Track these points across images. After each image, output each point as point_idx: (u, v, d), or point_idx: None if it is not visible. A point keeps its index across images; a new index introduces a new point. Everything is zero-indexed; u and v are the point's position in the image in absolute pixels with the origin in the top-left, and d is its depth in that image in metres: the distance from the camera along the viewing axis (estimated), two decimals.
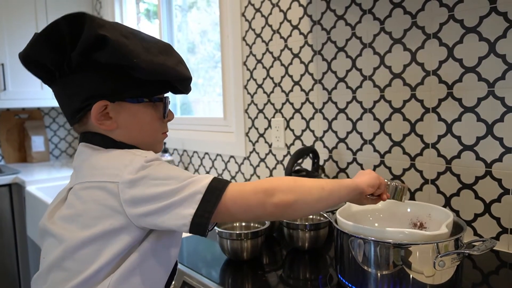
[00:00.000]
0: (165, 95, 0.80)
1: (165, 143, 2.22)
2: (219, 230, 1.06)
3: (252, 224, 1.15)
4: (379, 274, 0.80)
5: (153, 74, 0.71)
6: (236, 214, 0.67)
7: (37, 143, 2.89)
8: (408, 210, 0.99)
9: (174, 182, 0.65)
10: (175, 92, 0.82)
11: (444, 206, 1.16)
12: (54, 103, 2.71)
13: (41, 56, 0.70)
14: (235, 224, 1.16)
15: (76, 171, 0.75)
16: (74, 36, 0.68)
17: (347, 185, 0.77)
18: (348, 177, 1.41)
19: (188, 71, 0.77)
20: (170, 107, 0.82)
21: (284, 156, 1.64)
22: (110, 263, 0.66)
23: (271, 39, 1.63)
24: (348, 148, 1.40)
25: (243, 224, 1.16)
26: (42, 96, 2.66)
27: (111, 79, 0.72)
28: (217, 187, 0.66)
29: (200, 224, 0.63)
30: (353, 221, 0.86)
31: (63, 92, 0.74)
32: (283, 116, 1.62)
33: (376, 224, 1.00)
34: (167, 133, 0.83)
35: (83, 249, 0.66)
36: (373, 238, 0.80)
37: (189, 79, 0.77)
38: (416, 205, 0.98)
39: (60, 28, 0.68)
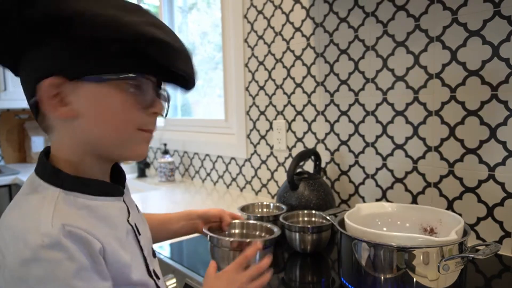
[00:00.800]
0: (153, 81, 0.61)
1: (165, 144, 2.22)
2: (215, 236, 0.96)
3: (257, 233, 1.05)
4: (382, 278, 0.80)
5: (100, 29, 0.52)
6: None
7: (37, 143, 2.88)
8: (414, 216, 0.98)
9: None
10: (179, 84, 0.64)
11: (447, 210, 1.16)
12: None
13: None
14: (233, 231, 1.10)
15: None
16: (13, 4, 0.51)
17: None
18: (350, 180, 1.41)
19: (167, 36, 0.56)
20: (170, 108, 0.66)
21: (286, 158, 1.64)
22: None
23: (273, 41, 1.63)
24: (350, 150, 1.40)
25: (244, 231, 1.07)
26: None
27: (64, 49, 0.53)
28: None
29: None
30: (361, 225, 0.86)
31: (20, 78, 0.58)
32: (284, 118, 1.62)
33: (385, 229, 0.99)
34: (151, 132, 0.63)
35: None
36: (376, 242, 0.79)
37: (162, 42, 0.55)
38: (427, 210, 0.97)
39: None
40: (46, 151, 0.61)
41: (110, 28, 0.52)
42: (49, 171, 0.57)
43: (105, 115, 0.57)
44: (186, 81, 0.62)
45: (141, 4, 2.68)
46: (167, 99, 0.66)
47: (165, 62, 0.57)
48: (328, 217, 0.99)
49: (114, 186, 0.63)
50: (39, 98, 0.55)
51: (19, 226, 0.52)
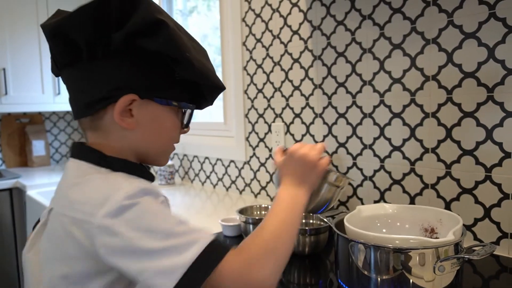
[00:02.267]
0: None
1: None
2: None
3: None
4: (379, 279, 0.80)
5: (199, 74, 0.65)
6: None
7: (38, 147, 2.89)
8: (414, 217, 0.98)
9: (157, 236, 0.54)
10: (199, 106, 0.75)
11: None
12: (55, 108, 2.72)
13: (77, 31, 0.60)
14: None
15: (56, 194, 0.66)
16: (123, 16, 0.60)
17: (287, 199, 0.71)
18: (349, 183, 1.41)
19: (222, 82, 0.72)
20: None
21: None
22: None
23: (271, 44, 1.64)
24: (348, 152, 1.40)
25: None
26: (43, 100, 2.67)
27: (147, 72, 0.64)
28: (205, 263, 0.54)
29: None
30: (361, 227, 0.86)
31: (86, 76, 0.64)
32: (283, 121, 1.63)
33: (384, 230, 1.00)
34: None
35: (58, 285, 0.59)
36: (373, 243, 0.80)
37: (223, 89, 0.71)
38: (427, 210, 0.97)
39: (111, 4, 0.59)
40: (80, 146, 0.67)
41: (204, 75, 0.67)
42: (99, 158, 0.64)
43: (160, 131, 0.69)
44: (204, 106, 0.77)
45: None
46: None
47: (210, 99, 0.74)
48: (325, 219, 1.00)
49: (150, 173, 0.71)
50: (116, 107, 0.63)
51: (99, 196, 0.57)
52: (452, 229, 0.81)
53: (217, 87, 0.71)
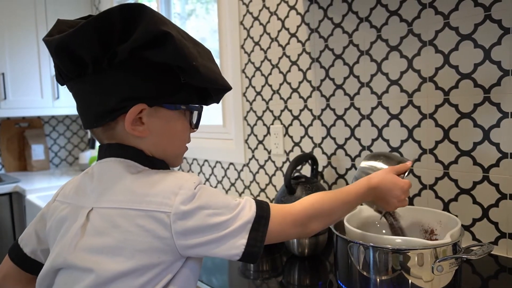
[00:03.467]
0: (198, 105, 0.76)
1: None
2: None
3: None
4: (378, 279, 0.81)
5: (207, 80, 0.67)
6: (277, 240, 0.69)
7: (37, 151, 2.90)
8: (414, 218, 0.99)
9: (226, 211, 0.64)
10: (205, 103, 0.78)
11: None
12: (54, 112, 2.72)
13: (82, 47, 0.61)
14: None
15: (103, 192, 0.65)
16: (126, 29, 0.61)
17: (357, 191, 0.80)
18: (347, 183, 1.42)
19: (228, 82, 0.74)
20: None
21: (283, 162, 1.65)
22: None
23: (269, 47, 1.65)
24: (346, 154, 1.41)
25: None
26: (42, 105, 2.67)
27: (154, 81, 0.66)
28: (262, 216, 0.66)
29: (251, 253, 0.63)
30: (360, 228, 0.87)
31: (93, 89, 0.65)
32: (282, 123, 1.64)
33: (384, 231, 1.00)
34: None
35: (119, 280, 0.60)
36: (371, 244, 0.80)
37: (229, 89, 0.73)
38: (427, 212, 0.98)
39: (113, 18, 0.61)
40: (122, 146, 0.69)
41: (212, 80, 0.68)
42: (144, 156, 0.69)
43: (172, 135, 0.71)
44: (209, 103, 0.79)
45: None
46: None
47: (217, 99, 0.76)
48: None
49: None
50: (126, 117, 0.65)
51: (168, 187, 0.63)
52: (450, 231, 0.81)
53: (225, 89, 0.72)
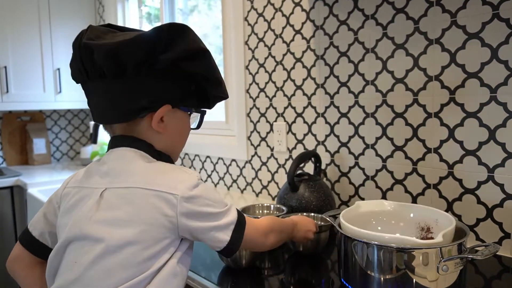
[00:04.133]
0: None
1: None
2: None
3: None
4: (382, 278, 0.80)
5: (222, 90, 0.83)
6: (247, 246, 0.83)
7: (39, 145, 2.89)
8: (411, 215, 0.99)
9: (219, 205, 0.76)
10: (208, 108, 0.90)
11: (446, 211, 1.17)
12: (56, 106, 2.72)
13: (131, 54, 0.72)
14: None
15: (118, 174, 0.75)
16: (169, 43, 0.73)
17: (292, 225, 0.98)
18: (350, 181, 1.42)
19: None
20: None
21: (286, 160, 1.64)
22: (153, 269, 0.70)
23: (273, 44, 1.64)
24: (350, 152, 1.40)
25: None
26: (44, 98, 2.67)
27: (180, 87, 0.78)
28: (241, 221, 0.79)
29: (230, 250, 0.77)
30: (355, 224, 0.87)
31: (127, 89, 0.75)
32: (285, 120, 1.63)
33: (379, 228, 1.00)
34: None
35: (127, 248, 0.68)
36: (376, 242, 0.80)
37: (227, 97, 0.87)
38: (425, 210, 0.98)
39: (162, 35, 0.73)
40: (135, 138, 0.79)
41: (224, 90, 0.84)
42: (153, 150, 0.80)
43: (182, 134, 0.86)
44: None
45: (143, 7, 2.70)
46: None
47: (213, 105, 0.87)
48: (328, 218, 1.00)
49: None
50: (155, 115, 0.77)
51: (177, 176, 0.74)
52: (443, 231, 0.81)
53: (223, 97, 0.85)
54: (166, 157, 0.82)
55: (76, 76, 0.79)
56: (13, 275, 0.86)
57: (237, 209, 0.81)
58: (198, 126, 0.89)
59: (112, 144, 0.80)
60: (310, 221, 1.04)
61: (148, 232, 0.69)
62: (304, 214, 1.18)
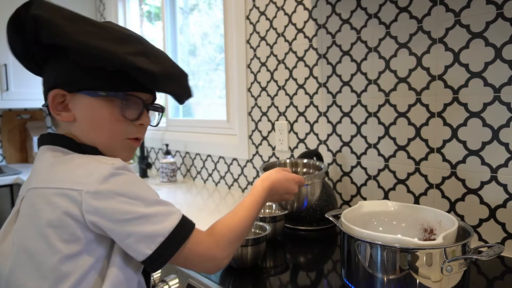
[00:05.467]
0: (143, 97, 0.73)
1: (167, 145, 2.22)
2: None
3: (252, 230, 1.13)
4: (385, 279, 0.80)
5: (89, 58, 0.65)
6: (181, 266, 0.69)
7: None
8: (415, 216, 0.98)
9: (140, 204, 0.62)
10: (180, 100, 0.77)
11: (449, 211, 1.16)
12: None
13: (13, 42, 0.70)
14: None
15: (30, 177, 0.69)
16: (27, 17, 0.66)
17: (257, 197, 0.83)
18: (352, 181, 1.41)
19: (154, 64, 0.68)
20: (173, 108, 0.79)
21: (288, 159, 1.63)
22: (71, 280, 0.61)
23: (275, 42, 1.63)
24: (352, 151, 1.40)
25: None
26: None
27: (68, 67, 0.68)
28: (179, 235, 0.64)
29: (152, 265, 0.63)
30: (357, 224, 0.86)
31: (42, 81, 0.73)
32: (287, 119, 1.62)
33: (381, 228, 1.00)
34: (138, 140, 0.76)
35: (35, 257, 0.61)
36: (380, 242, 0.80)
37: (146, 71, 0.67)
38: (428, 211, 0.97)
39: (20, 13, 0.67)
40: (53, 135, 0.72)
41: (100, 57, 0.65)
42: (74, 144, 0.70)
43: (97, 123, 0.70)
44: (178, 97, 0.76)
45: (143, 6, 2.69)
46: (161, 111, 0.81)
47: (152, 86, 0.72)
48: (331, 218, 0.99)
49: None
50: (48, 103, 0.70)
51: (85, 169, 0.63)
52: (444, 233, 0.80)
53: (131, 68, 0.67)
54: (93, 150, 0.70)
55: None
56: None
57: (182, 218, 0.65)
58: (133, 117, 0.72)
59: (38, 145, 0.74)
60: (289, 181, 0.89)
61: (53, 235, 0.60)
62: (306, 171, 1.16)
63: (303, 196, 0.99)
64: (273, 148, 1.69)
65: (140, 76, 0.68)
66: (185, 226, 0.65)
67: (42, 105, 0.74)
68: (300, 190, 0.96)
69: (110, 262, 0.65)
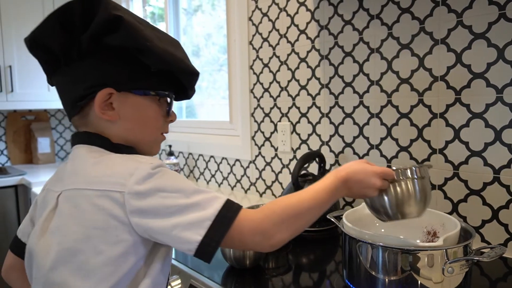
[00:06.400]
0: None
1: (170, 146, 2.23)
2: None
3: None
4: (387, 280, 0.80)
5: (164, 61, 0.69)
6: (236, 247, 0.68)
7: (43, 144, 2.90)
8: (422, 218, 0.98)
9: (181, 195, 0.62)
10: (179, 96, 0.80)
11: (451, 212, 1.16)
12: (61, 105, 2.72)
13: (50, 39, 0.66)
14: None
15: (69, 176, 0.69)
16: (86, 18, 0.65)
17: (326, 184, 0.74)
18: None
19: (194, 67, 0.76)
20: (176, 109, 0.80)
21: (290, 160, 1.64)
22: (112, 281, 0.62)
23: (278, 44, 1.64)
24: (354, 152, 1.40)
25: None
26: (49, 98, 2.68)
27: (119, 67, 0.69)
28: (226, 216, 0.63)
29: (206, 252, 0.61)
30: (359, 225, 0.87)
31: (67, 79, 0.70)
32: (289, 120, 1.63)
33: (383, 230, 1.00)
34: (165, 135, 0.81)
35: (77, 256, 0.62)
36: (381, 244, 0.80)
37: (195, 74, 0.75)
38: (432, 214, 0.97)
39: (73, 8, 0.65)
40: (88, 133, 0.72)
41: (170, 62, 0.70)
42: (108, 143, 0.71)
43: (144, 121, 0.73)
44: (190, 94, 0.82)
45: (147, 7, 2.70)
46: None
47: (188, 86, 0.77)
48: (332, 219, 0.99)
49: None
50: (95, 102, 0.68)
51: (126, 169, 0.64)
52: (445, 235, 0.80)
53: (189, 73, 0.74)
54: (128, 149, 0.71)
55: (47, 80, 0.76)
56: (9, 283, 0.83)
57: (228, 200, 0.64)
58: (167, 113, 0.77)
59: (71, 142, 0.74)
60: (367, 173, 0.76)
61: (97, 236, 0.61)
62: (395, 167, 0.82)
63: (393, 197, 0.78)
64: (276, 149, 1.70)
65: (188, 78, 0.75)
66: (231, 207, 0.64)
67: (75, 106, 0.70)
68: (389, 189, 0.78)
69: (148, 264, 0.66)
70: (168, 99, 0.77)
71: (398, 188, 0.78)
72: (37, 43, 0.68)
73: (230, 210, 0.64)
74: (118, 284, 0.62)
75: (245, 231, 0.64)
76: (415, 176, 0.79)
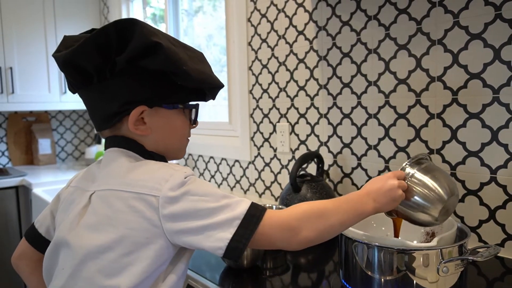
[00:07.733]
0: (195, 102, 0.83)
1: None
2: None
3: None
4: (382, 280, 0.80)
5: (198, 81, 0.74)
6: (263, 244, 0.69)
7: (44, 146, 2.91)
8: None
9: (211, 199, 0.67)
10: (203, 100, 0.85)
11: None
12: (61, 106, 2.74)
13: (85, 60, 0.70)
14: None
15: (104, 177, 0.73)
16: (121, 42, 0.69)
17: (351, 195, 0.75)
18: (352, 182, 1.42)
19: (219, 80, 0.80)
20: None
21: (289, 160, 1.64)
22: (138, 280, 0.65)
23: (276, 44, 1.64)
24: (353, 153, 1.40)
25: None
26: (50, 99, 2.69)
27: (152, 85, 0.73)
28: (254, 215, 0.67)
29: (235, 249, 0.64)
30: (356, 227, 0.87)
31: (99, 96, 0.73)
32: (288, 121, 1.63)
33: (382, 229, 1.00)
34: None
35: (106, 254, 0.65)
36: (377, 244, 0.80)
37: (221, 87, 0.80)
38: None
39: (109, 33, 0.69)
40: (126, 139, 0.77)
41: (203, 80, 0.75)
42: (144, 150, 0.76)
43: (173, 131, 0.79)
44: (207, 99, 0.84)
45: (147, 8, 2.71)
46: None
47: (212, 97, 0.82)
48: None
49: None
50: (129, 119, 0.73)
51: (162, 175, 0.68)
52: (439, 235, 0.80)
53: (216, 87, 0.79)
54: (159, 157, 0.78)
55: (68, 87, 0.79)
56: (18, 271, 0.87)
57: (252, 202, 0.69)
58: (193, 122, 0.83)
59: (106, 145, 0.78)
60: (381, 179, 0.78)
61: (129, 237, 0.65)
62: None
63: (420, 186, 0.79)
64: (275, 150, 1.70)
65: (215, 91, 0.81)
66: (257, 208, 0.68)
67: (109, 121, 0.75)
68: (410, 187, 0.79)
69: (170, 269, 0.70)
70: (194, 109, 0.83)
71: (417, 177, 0.80)
72: (70, 63, 0.71)
73: (257, 210, 0.68)
74: (140, 284, 0.65)
75: (273, 228, 0.67)
76: (424, 161, 0.83)
